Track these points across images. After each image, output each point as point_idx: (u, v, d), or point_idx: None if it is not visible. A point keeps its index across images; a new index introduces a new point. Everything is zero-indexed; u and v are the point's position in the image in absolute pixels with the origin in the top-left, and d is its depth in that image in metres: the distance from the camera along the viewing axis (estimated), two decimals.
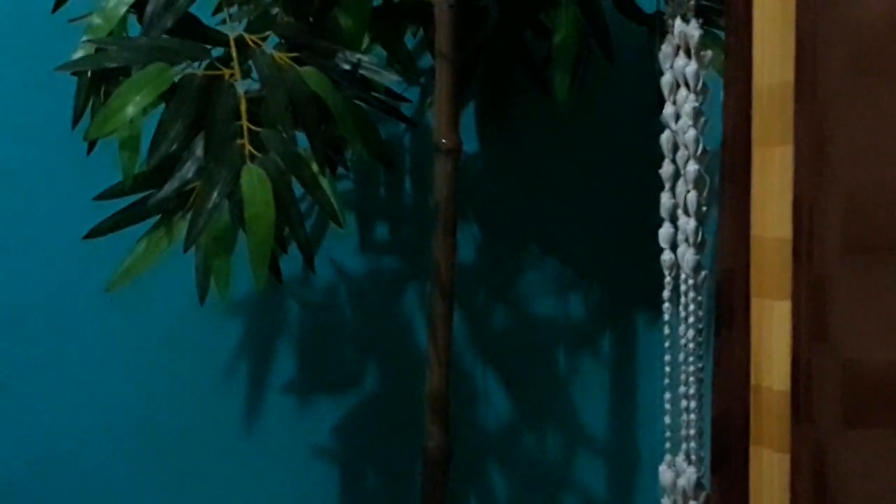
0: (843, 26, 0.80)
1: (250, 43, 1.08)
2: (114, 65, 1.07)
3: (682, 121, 0.98)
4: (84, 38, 1.10)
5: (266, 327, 1.35)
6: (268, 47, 1.09)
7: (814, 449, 0.81)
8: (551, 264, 1.35)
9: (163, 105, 1.06)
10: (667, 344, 0.99)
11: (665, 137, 0.99)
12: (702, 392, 0.98)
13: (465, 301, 1.31)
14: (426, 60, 1.27)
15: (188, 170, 1.06)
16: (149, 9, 1.07)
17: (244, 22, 1.11)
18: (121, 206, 1.12)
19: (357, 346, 1.36)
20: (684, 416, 0.99)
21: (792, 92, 0.84)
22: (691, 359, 0.98)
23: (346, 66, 1.11)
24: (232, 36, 1.08)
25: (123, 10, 1.08)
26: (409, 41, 1.26)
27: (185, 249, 1.06)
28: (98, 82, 1.09)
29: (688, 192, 0.97)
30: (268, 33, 1.10)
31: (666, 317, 0.99)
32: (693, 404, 0.98)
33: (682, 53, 0.98)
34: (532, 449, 1.36)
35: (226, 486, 1.35)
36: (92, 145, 1.12)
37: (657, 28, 1.19)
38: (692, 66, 0.97)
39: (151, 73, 1.04)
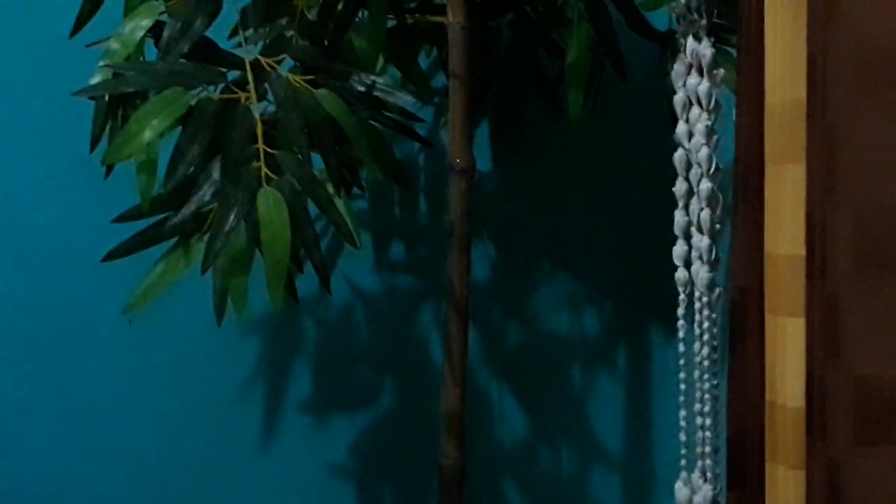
0: (855, 44, 0.80)
1: (266, 66, 1.09)
2: (131, 89, 1.08)
3: (694, 139, 0.98)
4: (101, 62, 1.11)
5: (282, 346, 1.36)
6: (283, 70, 1.10)
7: (828, 466, 0.81)
8: (565, 282, 1.36)
9: (179, 129, 1.07)
10: (681, 361, 0.99)
11: (678, 155, 1.00)
12: (717, 409, 0.98)
13: (479, 319, 1.32)
14: (440, 80, 1.28)
15: (205, 192, 1.07)
16: (165, 33, 1.08)
17: (259, 45, 1.12)
18: (139, 228, 1.13)
19: (372, 365, 1.36)
20: (699, 434, 0.99)
21: (804, 109, 0.84)
22: (706, 376, 0.98)
23: (361, 88, 1.11)
24: (248, 59, 1.09)
25: (140, 34, 1.09)
26: (423, 61, 1.27)
27: (203, 271, 1.06)
28: (115, 106, 1.10)
29: (701, 209, 0.98)
30: (283, 56, 1.11)
31: (680, 334, 0.99)
32: (708, 421, 0.98)
33: (694, 72, 0.98)
34: (547, 467, 1.36)
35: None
36: (110, 169, 1.13)
37: (669, 46, 1.19)
38: (704, 85, 0.97)
39: (168, 97, 1.05)
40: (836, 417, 0.80)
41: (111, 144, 1.08)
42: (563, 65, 1.22)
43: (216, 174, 1.06)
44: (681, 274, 1.00)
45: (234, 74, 1.09)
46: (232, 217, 1.04)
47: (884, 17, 0.79)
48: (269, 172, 1.06)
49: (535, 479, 1.36)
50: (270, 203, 1.04)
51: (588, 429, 1.35)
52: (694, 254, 0.99)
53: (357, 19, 1.14)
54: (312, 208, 1.09)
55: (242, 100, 1.07)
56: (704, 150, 0.97)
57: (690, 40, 0.98)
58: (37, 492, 1.35)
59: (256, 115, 1.07)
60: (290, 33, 1.11)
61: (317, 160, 1.09)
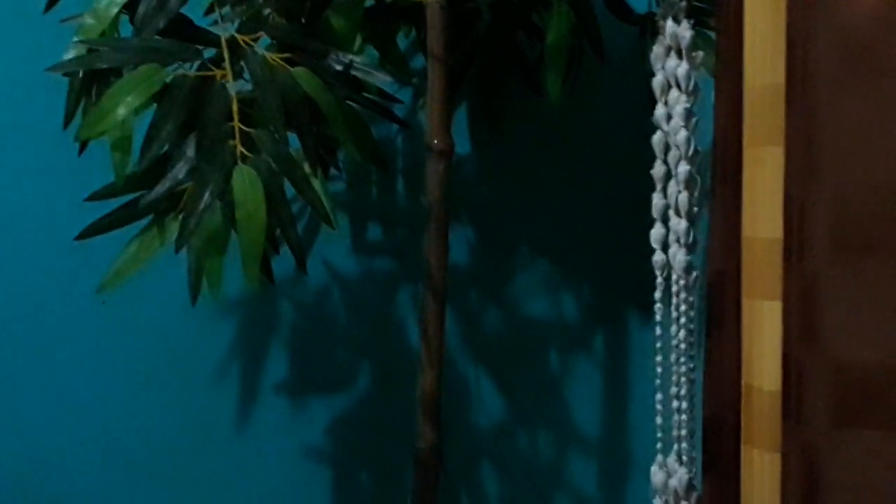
0: (834, 27, 0.80)
1: (242, 44, 1.08)
2: (105, 65, 1.07)
3: (673, 121, 0.98)
4: (76, 38, 1.10)
5: (258, 328, 1.35)
6: (260, 48, 1.09)
7: (805, 449, 0.81)
8: (543, 265, 1.35)
9: (154, 106, 1.06)
10: (658, 344, 0.99)
11: (656, 138, 0.99)
12: (693, 393, 0.98)
13: (457, 302, 1.31)
14: (418, 61, 1.27)
15: (180, 170, 1.06)
16: (141, 9, 1.07)
17: (236, 23, 1.11)
18: (112, 206, 1.12)
19: (349, 347, 1.36)
20: (676, 417, 0.99)
21: (783, 93, 0.84)
22: (682, 359, 0.98)
23: (339, 67, 1.11)
24: (224, 37, 1.08)
25: (115, 10, 1.08)
26: (402, 42, 1.26)
27: (177, 250, 1.06)
28: (89, 83, 1.09)
29: (679, 192, 0.97)
30: (260, 34, 1.10)
31: (657, 317, 0.99)
32: (684, 405, 0.98)
33: (673, 54, 0.98)
34: (524, 450, 1.36)
35: (217, 487, 1.35)
36: (83, 146, 1.12)
37: (648, 29, 1.19)
38: (683, 67, 0.97)
39: (143, 73, 1.04)
40: (813, 401, 0.80)
41: (85, 120, 1.07)
42: (543, 47, 1.21)
43: (191, 152, 1.05)
44: (658, 257, 1.00)
45: (209, 52, 1.09)
46: (207, 195, 1.03)
47: (863, 1, 0.79)
48: (244, 151, 1.05)
49: (511, 462, 1.36)
50: (246, 181, 1.03)
51: (565, 412, 1.36)
52: (671, 237, 0.99)
53: None
54: (289, 189, 1.08)
55: (218, 77, 1.06)
56: (683, 133, 0.97)
57: (670, 22, 0.98)
58: (10, 474, 1.34)
59: (232, 93, 1.06)
60: (266, 11, 1.11)
61: (293, 140, 1.08)
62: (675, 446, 0.99)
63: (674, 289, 0.99)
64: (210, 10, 1.12)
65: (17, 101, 1.31)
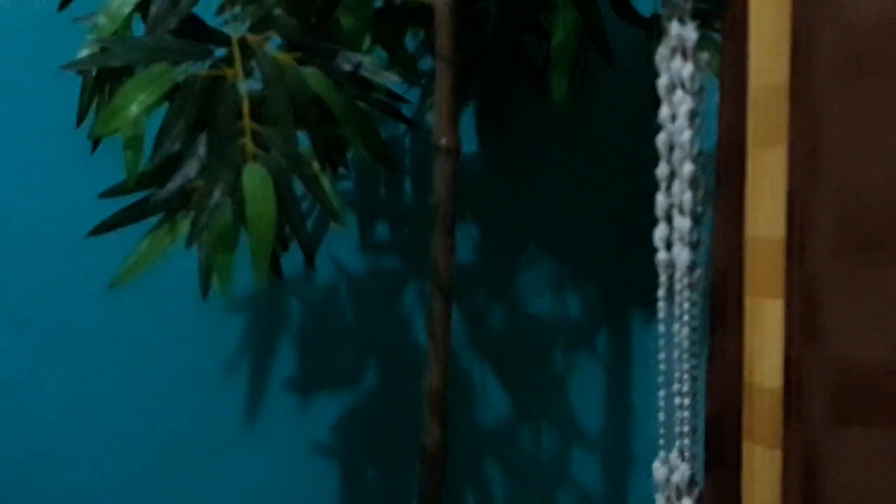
0: (837, 29, 0.80)
1: (252, 43, 1.09)
2: (118, 64, 1.08)
3: (678, 122, 0.98)
4: (89, 37, 1.11)
5: (267, 324, 1.36)
6: (270, 48, 1.10)
7: (805, 446, 0.82)
8: (549, 264, 1.36)
9: (166, 104, 1.07)
10: (661, 342, 1.00)
11: (661, 138, 1.00)
12: (696, 390, 0.98)
13: (463, 300, 1.32)
14: (427, 62, 1.28)
15: (191, 168, 1.07)
16: (153, 9, 1.08)
17: (247, 22, 1.12)
18: (124, 203, 1.13)
19: (357, 344, 1.37)
20: (678, 414, 0.99)
21: (786, 93, 0.84)
22: (685, 357, 0.98)
23: (348, 67, 1.11)
24: (235, 36, 1.09)
25: (128, 10, 1.09)
26: (410, 43, 1.27)
27: (188, 247, 1.06)
28: (102, 81, 1.10)
29: (683, 192, 0.98)
30: (270, 34, 1.11)
31: (661, 315, 1.00)
32: (687, 402, 0.99)
33: (678, 55, 0.99)
34: (529, 446, 1.37)
35: (226, 483, 1.36)
36: (96, 143, 1.13)
37: (654, 30, 1.20)
38: (688, 68, 0.97)
39: (155, 72, 1.05)
40: (814, 398, 0.81)
41: (98, 118, 1.08)
42: (549, 48, 1.22)
43: (202, 150, 1.06)
44: (662, 256, 1.00)
45: (220, 51, 1.09)
46: (217, 193, 1.04)
47: (868, 2, 0.80)
48: (255, 149, 1.06)
49: (516, 458, 1.37)
50: (256, 179, 1.04)
51: (569, 408, 1.36)
52: (675, 236, 0.99)
53: None
54: (298, 187, 1.09)
55: (229, 77, 1.07)
56: (687, 133, 0.97)
57: (675, 24, 0.98)
58: (17, 466, 1.35)
59: (243, 92, 1.07)
60: (277, 11, 1.11)
61: (303, 139, 1.09)
62: (678, 442, 0.99)
63: (677, 287, 0.99)
64: (221, 10, 1.13)
65: (30, 98, 1.32)
